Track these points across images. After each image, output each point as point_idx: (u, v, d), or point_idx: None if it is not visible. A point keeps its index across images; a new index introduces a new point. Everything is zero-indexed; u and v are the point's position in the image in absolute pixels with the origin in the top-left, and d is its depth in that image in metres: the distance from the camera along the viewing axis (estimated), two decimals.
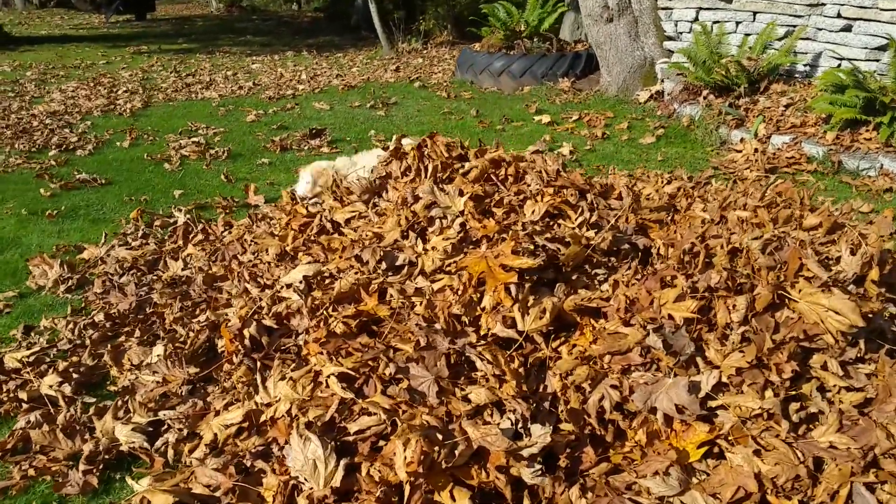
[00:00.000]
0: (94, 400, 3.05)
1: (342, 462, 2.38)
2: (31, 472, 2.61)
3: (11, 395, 3.02)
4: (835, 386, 2.49)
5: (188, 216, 4.90)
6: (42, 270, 4.29)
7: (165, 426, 2.84)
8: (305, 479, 2.41)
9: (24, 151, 7.24)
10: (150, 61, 14.44)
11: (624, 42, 8.96)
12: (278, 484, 2.43)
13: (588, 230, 3.24)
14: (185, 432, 2.77)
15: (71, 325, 3.56)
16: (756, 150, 6.16)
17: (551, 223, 3.29)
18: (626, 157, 6.53)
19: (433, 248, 3.08)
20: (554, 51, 10.10)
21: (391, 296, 2.96)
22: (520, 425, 2.46)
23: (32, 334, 3.56)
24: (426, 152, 3.61)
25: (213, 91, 10.69)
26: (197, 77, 12.21)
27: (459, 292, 2.84)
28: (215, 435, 2.72)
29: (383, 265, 3.10)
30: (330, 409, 2.58)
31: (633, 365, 2.59)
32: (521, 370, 2.72)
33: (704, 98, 7.45)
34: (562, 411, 2.53)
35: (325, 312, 2.95)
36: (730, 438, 2.41)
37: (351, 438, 2.50)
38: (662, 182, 4.74)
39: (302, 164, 6.61)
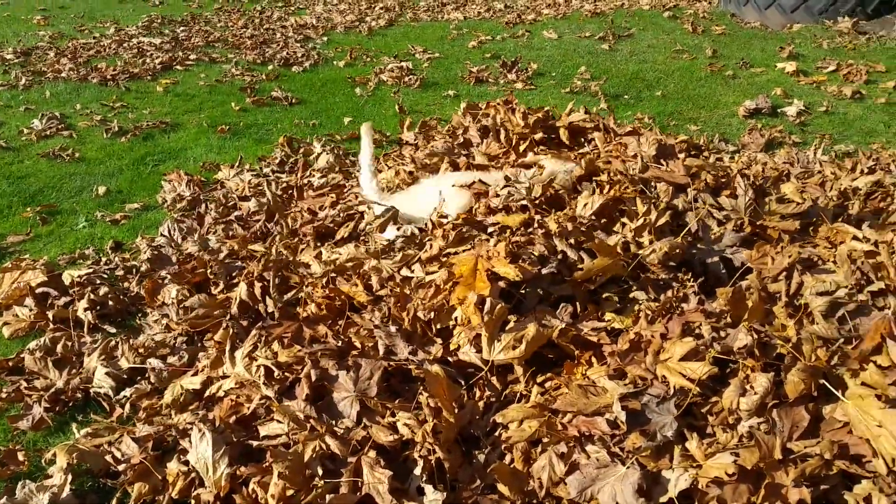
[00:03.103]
0: (114, 331, 3.08)
1: (228, 470, 2.11)
2: (11, 396, 2.68)
3: (47, 313, 3.14)
4: None
5: (325, 148, 4.78)
6: (172, 186, 4.47)
7: (145, 376, 2.76)
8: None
9: (250, 62, 7.67)
10: None
11: None
12: (178, 473, 2.23)
13: (650, 234, 2.51)
14: (148, 388, 2.66)
15: (146, 249, 3.63)
16: None
17: (607, 222, 2.61)
18: (870, 126, 5.17)
19: (441, 233, 2.59)
20: None
21: (375, 281, 2.55)
22: (425, 479, 1.98)
23: (112, 253, 3.69)
24: (498, 119, 3.04)
25: (460, 13, 10.48)
26: None
27: (430, 294, 2.34)
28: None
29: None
30: (252, 404, 2.30)
31: (596, 433, 1.95)
32: (479, 405, 2.21)
33: None
34: (491, 470, 1.99)
35: (306, 289, 2.63)
36: None
37: (256, 444, 2.20)
38: (861, 170, 3.65)
39: (492, 97, 6.22)
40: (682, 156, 2.85)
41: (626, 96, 6.15)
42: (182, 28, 9.51)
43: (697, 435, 1.84)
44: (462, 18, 10.08)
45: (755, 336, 1.87)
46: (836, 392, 1.74)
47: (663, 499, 1.77)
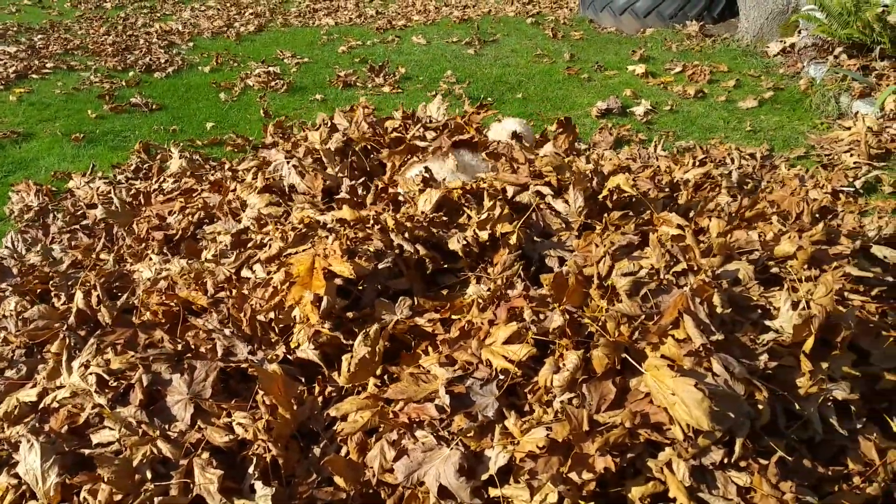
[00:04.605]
0: None
1: (57, 480, 2.05)
2: None
3: None
4: (673, 498, 1.78)
5: (184, 158, 4.66)
6: (20, 197, 4.27)
7: None
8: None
9: (110, 69, 7.41)
10: None
11: None
12: (7, 487, 2.14)
13: (500, 223, 2.59)
14: None
15: None
16: (869, 129, 4.95)
17: (446, 219, 2.69)
18: (711, 122, 5.53)
19: (282, 230, 2.60)
20: None
21: (211, 283, 2.54)
22: (258, 476, 1.99)
23: None
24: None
25: (332, 18, 10.47)
26: (334, 3, 12.02)
27: (268, 295, 2.35)
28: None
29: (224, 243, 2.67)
30: (84, 413, 2.24)
31: (426, 419, 2.01)
32: (319, 400, 2.24)
33: (835, 57, 6.15)
34: (325, 462, 2.02)
35: (142, 296, 2.58)
36: None
37: (88, 452, 2.14)
38: (693, 163, 3.90)
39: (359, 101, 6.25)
40: (543, 159, 2.95)
41: (489, 99, 6.32)
42: (40, 36, 9.07)
43: (517, 413, 1.93)
44: (333, 24, 10.07)
45: (567, 317, 1.99)
46: (636, 364, 1.87)
47: (485, 476, 1.85)
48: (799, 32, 7.12)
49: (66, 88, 6.78)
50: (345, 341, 2.30)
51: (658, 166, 3.71)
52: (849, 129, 5.08)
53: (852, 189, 4.17)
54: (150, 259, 2.92)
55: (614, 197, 2.96)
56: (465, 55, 7.87)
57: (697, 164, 3.81)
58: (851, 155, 4.72)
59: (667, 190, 3.33)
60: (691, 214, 3.02)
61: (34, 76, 7.23)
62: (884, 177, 4.34)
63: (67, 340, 2.59)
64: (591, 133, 5.26)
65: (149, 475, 1.97)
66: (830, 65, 6.06)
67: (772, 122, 5.50)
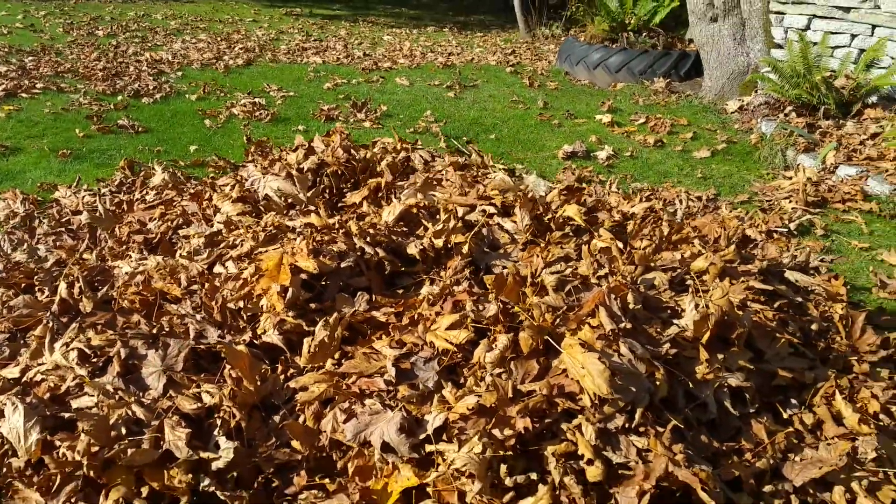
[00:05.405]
0: None
1: (39, 437, 2.28)
2: None
3: None
4: (582, 456, 2.05)
5: (167, 172, 4.95)
6: (6, 204, 4.51)
7: None
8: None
9: (100, 93, 7.71)
10: (292, 23, 15.04)
11: (727, 45, 8.15)
12: None
13: (454, 234, 2.89)
14: None
15: None
16: (809, 180, 5.36)
17: (406, 228, 2.99)
18: (666, 168, 5.92)
19: (254, 231, 2.89)
20: (660, 47, 9.37)
21: (185, 276, 2.80)
22: (220, 436, 2.24)
23: None
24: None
25: (319, 57, 10.87)
26: (323, 43, 12.47)
27: (238, 286, 2.63)
28: None
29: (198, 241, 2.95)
30: (65, 383, 2.48)
31: (374, 390, 2.28)
32: (281, 378, 2.50)
33: (786, 115, 6.61)
34: (282, 426, 2.27)
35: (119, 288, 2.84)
36: (439, 489, 2.06)
37: (68, 415, 2.38)
38: (640, 199, 4.25)
39: None
40: (494, 192, 3.27)
41: (464, 138, 6.69)
42: (31, 58, 9.35)
43: (454, 386, 2.21)
44: (321, 62, 10.46)
45: (501, 306, 2.28)
46: (556, 345, 2.16)
47: (423, 435, 2.11)
48: (756, 92, 7.60)
49: (54, 108, 7.03)
50: (307, 328, 2.57)
51: (608, 201, 4.05)
52: (790, 178, 5.49)
53: (786, 230, 4.53)
54: (130, 257, 3.18)
55: (559, 220, 3.28)
56: (446, 97, 8.27)
57: (644, 199, 4.15)
58: (790, 201, 5.11)
59: (618, 220, 3.65)
60: (629, 239, 3.35)
61: (24, 95, 7.49)
62: (817, 221, 4.72)
63: (50, 324, 2.84)
64: (556, 172, 5.62)
65: (123, 432, 2.21)
66: (780, 121, 6.51)
67: (722, 170, 5.91)
